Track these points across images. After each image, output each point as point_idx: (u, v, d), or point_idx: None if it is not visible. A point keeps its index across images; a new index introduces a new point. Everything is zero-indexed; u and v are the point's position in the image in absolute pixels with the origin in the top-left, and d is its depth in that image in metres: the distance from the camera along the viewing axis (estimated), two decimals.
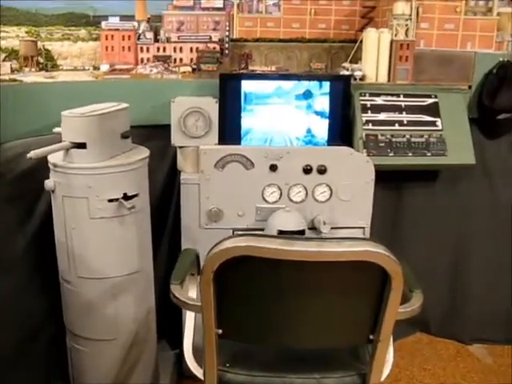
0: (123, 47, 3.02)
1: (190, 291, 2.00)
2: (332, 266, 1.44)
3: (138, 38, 2.83)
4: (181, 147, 2.53)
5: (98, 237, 2.18)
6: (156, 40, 3.11)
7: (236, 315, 1.59)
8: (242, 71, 2.79)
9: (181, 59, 3.04)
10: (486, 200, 2.93)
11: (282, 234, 2.30)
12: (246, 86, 2.54)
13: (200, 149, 2.45)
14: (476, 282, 3.04)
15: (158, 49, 3.06)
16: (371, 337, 1.62)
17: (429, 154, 2.59)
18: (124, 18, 3.27)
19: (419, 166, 2.60)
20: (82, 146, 2.10)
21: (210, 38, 3.01)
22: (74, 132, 2.11)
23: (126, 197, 2.16)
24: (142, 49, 3.05)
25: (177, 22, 3.33)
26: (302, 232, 2.36)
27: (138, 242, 2.27)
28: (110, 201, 2.14)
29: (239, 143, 2.53)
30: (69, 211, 2.16)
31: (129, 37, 3.02)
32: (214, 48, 2.81)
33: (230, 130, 2.51)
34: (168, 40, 3.06)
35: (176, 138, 2.49)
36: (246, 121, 2.54)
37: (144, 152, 2.32)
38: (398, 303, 1.53)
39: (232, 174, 2.41)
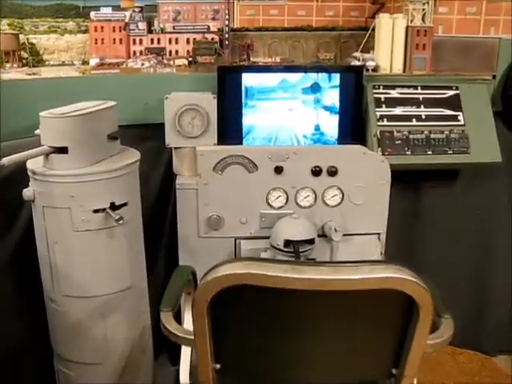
0: (114, 39, 2.81)
1: (185, 313, 1.79)
2: (349, 295, 1.20)
3: (125, 29, 2.59)
4: (176, 148, 2.32)
5: (84, 251, 1.97)
6: (150, 31, 2.86)
7: (236, 349, 1.36)
8: (242, 63, 2.54)
9: (176, 51, 2.82)
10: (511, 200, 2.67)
11: (289, 243, 2.10)
12: (247, 79, 2.32)
13: (197, 150, 2.24)
14: (500, 290, 2.81)
15: (152, 40, 2.84)
16: (394, 371, 1.38)
17: (450, 152, 2.36)
18: (117, 8, 3.05)
19: (440, 165, 2.36)
20: (63, 150, 1.89)
21: (208, 27, 2.79)
22: (54, 135, 1.89)
23: (113, 206, 1.94)
24: (134, 41, 2.83)
25: (173, 11, 3.09)
26: (311, 241, 2.14)
27: (129, 255, 2.06)
28: (96, 211, 1.92)
29: (240, 143, 2.34)
30: (50, 223, 1.94)
31: (120, 28, 2.80)
32: (213, 39, 2.58)
33: (230, 129, 2.31)
34: (163, 31, 2.83)
35: (170, 139, 2.28)
36: (248, 118, 2.35)
37: (134, 155, 2.09)
38: (426, 335, 1.30)
39: (233, 177, 2.22)
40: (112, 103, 2.08)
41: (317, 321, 1.28)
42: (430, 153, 2.34)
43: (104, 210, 1.91)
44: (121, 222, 1.90)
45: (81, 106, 1.98)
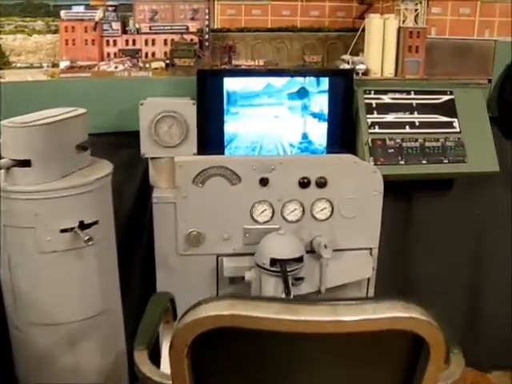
0: (86, 40, 2.59)
1: (163, 346, 1.62)
2: (349, 338, 1.04)
3: (95, 29, 2.39)
4: (153, 159, 2.15)
5: (50, 275, 1.80)
6: (125, 31, 2.67)
7: None
8: (223, 66, 2.36)
9: (153, 53, 2.62)
10: (508, 211, 2.55)
11: (275, 262, 1.95)
12: (230, 84, 2.16)
13: (175, 161, 2.08)
14: (495, 305, 2.68)
15: (127, 42, 2.64)
16: None
17: (446, 161, 2.23)
18: (91, 7, 2.84)
19: (435, 175, 2.24)
20: (25, 163, 1.72)
21: (187, 28, 2.60)
22: (16, 146, 1.72)
23: (82, 225, 1.78)
24: (107, 42, 2.62)
25: (150, 10, 2.89)
26: (299, 259, 1.99)
27: (101, 278, 1.90)
28: (63, 231, 1.76)
29: (222, 153, 2.18)
30: (13, 244, 1.78)
31: (94, 28, 2.58)
32: (192, 40, 2.40)
33: (211, 138, 2.16)
34: (138, 31, 2.63)
35: (146, 148, 2.11)
36: (230, 126, 2.19)
37: (106, 167, 1.93)
38: (437, 378, 1.14)
39: (214, 190, 2.08)
40: (81, 110, 1.92)
41: (311, 366, 1.11)
42: (424, 162, 2.21)
43: (72, 229, 1.75)
44: (90, 242, 1.73)
45: (46, 114, 1.82)
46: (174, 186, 2.08)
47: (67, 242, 1.76)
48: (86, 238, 1.72)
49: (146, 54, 2.64)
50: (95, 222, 1.81)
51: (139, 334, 1.34)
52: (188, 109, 2.07)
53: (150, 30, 2.65)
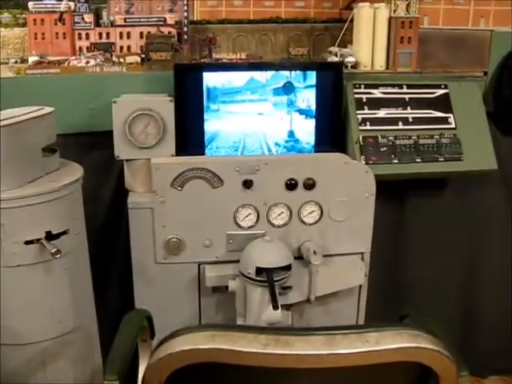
0: (56, 34, 2.42)
1: (140, 366, 1.48)
2: (349, 372, 0.90)
3: (60, 20, 2.23)
4: (128, 161, 2.01)
5: (16, 290, 1.66)
6: (98, 24, 2.50)
7: None
8: (203, 60, 2.21)
9: (128, 47, 2.46)
10: (504, 211, 2.45)
11: (261, 271, 1.82)
12: (209, 79, 2.02)
13: (151, 163, 1.93)
14: (490, 309, 2.58)
15: (100, 35, 2.47)
16: None
17: (441, 159, 2.10)
18: None
19: (430, 174, 2.12)
20: None
21: (165, 20, 2.43)
22: None
23: (50, 236, 1.63)
24: (79, 35, 2.45)
25: (125, 2, 2.73)
26: (287, 267, 1.86)
27: (72, 292, 1.75)
28: (29, 243, 1.60)
29: (203, 153, 2.06)
30: None
31: (63, 22, 2.42)
32: (170, 32, 2.24)
33: (190, 137, 2.03)
34: (112, 24, 2.47)
35: (120, 149, 1.97)
36: (211, 124, 2.06)
37: (76, 171, 1.78)
38: None
39: (194, 193, 1.93)
40: (48, 109, 1.78)
41: None
42: (418, 160, 2.09)
43: (38, 240, 1.60)
44: (58, 255, 1.57)
45: (9, 114, 1.68)
46: (151, 190, 1.93)
47: (33, 255, 1.61)
48: (53, 251, 1.57)
49: (121, 48, 2.48)
50: (64, 232, 1.66)
51: (110, 362, 1.19)
52: (165, 106, 1.94)
53: (125, 22, 2.48)
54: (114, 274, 2.19)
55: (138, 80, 2.09)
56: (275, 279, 1.81)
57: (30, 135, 1.66)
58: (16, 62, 2.46)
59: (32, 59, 2.37)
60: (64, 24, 2.43)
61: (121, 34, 2.48)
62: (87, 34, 2.48)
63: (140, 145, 1.95)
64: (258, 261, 1.82)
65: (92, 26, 2.48)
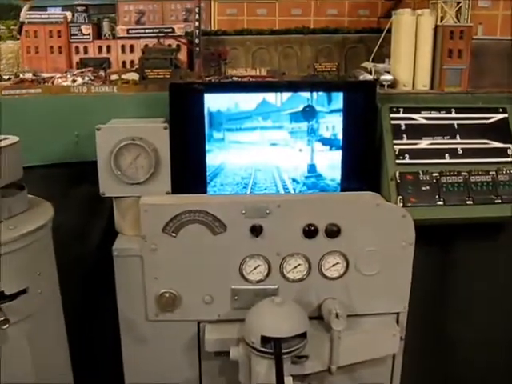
0: (51, 47, 2.18)
1: None
2: None
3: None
4: (117, 198, 1.75)
5: None
6: (99, 37, 2.24)
7: None
8: (208, 79, 1.89)
9: (132, 62, 2.17)
10: None
11: (268, 340, 1.52)
12: (212, 101, 1.75)
13: (140, 203, 1.66)
14: None
15: (100, 48, 2.21)
16: None
17: (498, 201, 1.82)
18: (67, 7, 2.42)
19: (484, 218, 1.83)
20: None
21: (173, 30, 2.14)
22: None
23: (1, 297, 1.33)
24: (77, 49, 2.19)
25: (136, 11, 2.46)
26: (302, 336, 1.55)
27: (37, 364, 1.45)
28: None
29: (204, 191, 1.81)
30: None
31: (59, 33, 2.18)
32: (170, 45, 1.94)
33: (188, 172, 1.79)
34: (114, 36, 2.19)
35: (106, 185, 1.72)
36: (214, 156, 1.81)
37: (45, 213, 1.48)
38: None
39: (192, 241, 1.67)
40: (13, 139, 1.51)
41: None
42: (469, 202, 1.81)
43: None
44: (6, 326, 1.26)
45: None
46: (141, 235, 1.62)
47: None
48: (1, 319, 1.25)
49: (124, 64, 2.20)
50: (23, 291, 1.35)
51: None
52: (158, 134, 1.68)
53: (128, 33, 2.20)
54: (102, 330, 1.91)
55: (130, 102, 1.85)
56: (285, 351, 1.53)
57: None
58: (9, 78, 2.21)
59: (27, 75, 2.12)
60: (60, 37, 2.19)
61: (123, 47, 2.22)
62: (85, 48, 2.22)
63: (129, 180, 1.69)
64: (264, 328, 1.54)
65: (91, 39, 2.22)
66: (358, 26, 2.44)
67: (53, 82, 1.85)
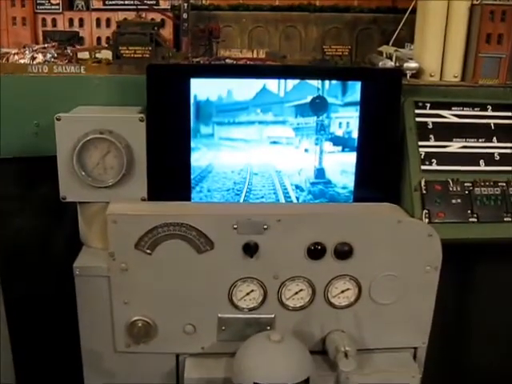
0: (14, 19, 1.86)
1: None
2: None
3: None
4: (81, 203, 1.46)
5: None
6: (71, 7, 1.93)
7: None
8: (196, 60, 1.58)
9: (108, 38, 1.86)
10: None
11: None
12: (200, 88, 1.42)
13: (107, 213, 1.36)
14: None
15: (71, 21, 1.89)
16: None
17: None
18: None
19: None
20: None
21: (157, 2, 1.84)
22: None
23: None
24: (44, 21, 1.88)
25: None
26: (304, 382, 1.27)
27: None
28: None
29: (188, 198, 1.51)
30: None
31: (22, 1, 1.85)
32: (152, 19, 1.62)
33: (169, 174, 1.47)
34: (88, 7, 1.88)
35: (67, 188, 1.43)
36: (201, 155, 1.50)
37: None
38: None
39: (171, 259, 1.39)
40: None
41: None
42: (507, 219, 1.51)
43: None
44: None
45: None
46: (109, 252, 1.34)
47: None
48: None
49: (98, 39, 1.90)
50: None
51: None
52: (133, 127, 1.38)
53: (105, 5, 1.90)
54: (61, 363, 1.65)
55: (101, 86, 1.51)
56: None
57: None
58: None
59: None
60: (23, 6, 1.88)
61: (98, 20, 1.91)
62: (54, 20, 1.91)
63: (95, 183, 1.40)
64: (257, 373, 1.26)
65: (60, 10, 1.91)
66: (372, 4, 2.16)
67: (8, 59, 1.54)
